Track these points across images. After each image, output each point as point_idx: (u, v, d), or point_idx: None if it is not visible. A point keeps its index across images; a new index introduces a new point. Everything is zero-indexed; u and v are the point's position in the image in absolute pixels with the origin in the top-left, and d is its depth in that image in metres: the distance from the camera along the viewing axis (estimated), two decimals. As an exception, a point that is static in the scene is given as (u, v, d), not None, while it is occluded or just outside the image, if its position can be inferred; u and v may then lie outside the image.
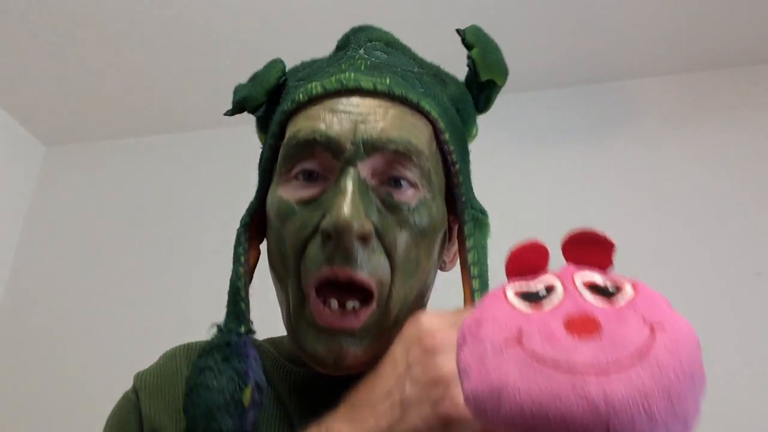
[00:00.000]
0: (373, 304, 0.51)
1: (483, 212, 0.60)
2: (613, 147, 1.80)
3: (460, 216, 0.57)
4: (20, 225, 2.13)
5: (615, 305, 0.27)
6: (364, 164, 0.52)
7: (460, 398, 0.37)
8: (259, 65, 0.68)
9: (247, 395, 0.50)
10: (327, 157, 0.53)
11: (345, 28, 0.69)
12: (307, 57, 0.72)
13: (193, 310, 1.81)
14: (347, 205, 0.49)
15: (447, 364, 0.40)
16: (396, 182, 0.53)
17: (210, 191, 2.01)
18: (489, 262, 0.57)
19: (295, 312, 0.53)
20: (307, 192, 0.53)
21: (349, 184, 0.50)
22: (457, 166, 0.58)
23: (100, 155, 2.22)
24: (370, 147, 0.52)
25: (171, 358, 0.62)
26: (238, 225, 0.59)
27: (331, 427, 0.44)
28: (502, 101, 2.30)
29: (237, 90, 0.65)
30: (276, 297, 0.58)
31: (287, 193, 0.54)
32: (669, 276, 1.53)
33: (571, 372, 0.24)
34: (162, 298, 1.89)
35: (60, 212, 2.14)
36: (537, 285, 0.30)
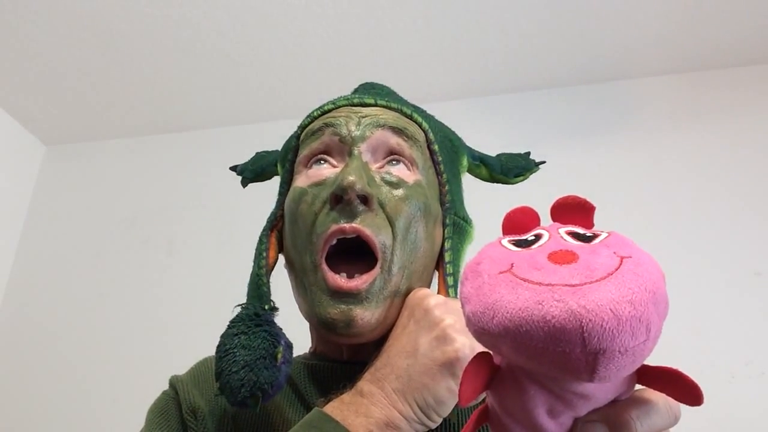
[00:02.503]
0: (377, 268, 0.57)
1: (467, 221, 0.67)
2: (613, 147, 1.81)
3: (443, 218, 0.64)
4: (20, 225, 2.13)
5: (591, 244, 0.32)
6: (366, 145, 0.61)
7: (460, 343, 0.49)
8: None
9: (280, 352, 0.55)
10: (335, 141, 0.62)
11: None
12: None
13: (192, 310, 1.81)
14: (351, 171, 0.57)
15: (446, 316, 0.51)
16: (394, 161, 0.62)
17: (210, 191, 2.01)
18: None
19: (309, 282, 0.58)
20: (317, 176, 0.61)
21: (353, 161, 0.59)
22: (445, 176, 0.65)
23: (100, 155, 2.22)
24: (371, 125, 0.62)
25: (203, 362, 0.67)
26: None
27: (360, 388, 0.51)
28: (502, 101, 2.29)
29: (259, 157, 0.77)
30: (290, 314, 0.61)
31: (301, 182, 0.63)
32: (669, 276, 1.53)
33: (551, 285, 0.29)
34: (161, 297, 1.89)
35: (60, 212, 2.14)
36: (527, 235, 0.35)
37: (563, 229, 0.35)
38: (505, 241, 0.35)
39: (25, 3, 1.73)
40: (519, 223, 0.37)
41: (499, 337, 0.29)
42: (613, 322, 0.27)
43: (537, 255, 0.32)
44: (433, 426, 0.51)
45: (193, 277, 1.89)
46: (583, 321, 0.27)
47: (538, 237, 0.34)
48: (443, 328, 0.50)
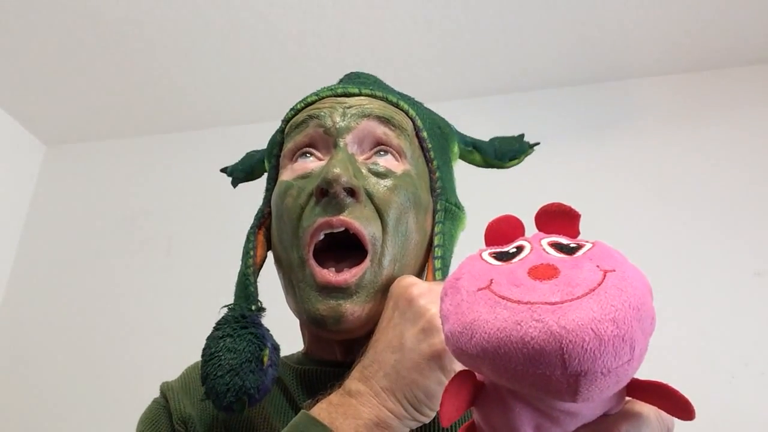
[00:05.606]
0: (367, 261, 0.55)
1: (458, 207, 0.65)
2: (613, 147, 1.80)
3: (434, 205, 0.62)
4: (20, 225, 2.13)
5: (574, 256, 0.31)
6: (352, 136, 0.59)
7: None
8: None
9: (266, 355, 0.53)
10: (319, 133, 0.60)
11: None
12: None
13: (192, 309, 1.81)
14: (336, 164, 0.55)
15: (431, 306, 0.48)
16: (381, 152, 0.60)
17: (210, 191, 2.01)
18: None
19: (297, 279, 0.57)
20: (303, 169, 0.60)
21: (339, 153, 0.57)
22: (435, 163, 0.64)
23: (100, 155, 2.22)
24: (357, 116, 0.60)
25: (194, 367, 0.65)
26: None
27: (348, 387, 0.49)
28: (502, 101, 2.29)
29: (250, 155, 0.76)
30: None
31: (287, 175, 0.61)
32: (669, 276, 1.53)
33: (530, 304, 0.27)
34: (161, 297, 1.89)
35: (60, 212, 2.14)
36: (509, 246, 0.34)
37: (546, 240, 0.33)
38: (485, 254, 0.34)
39: (26, 3, 1.73)
40: (502, 232, 0.36)
41: (477, 358, 0.28)
42: (595, 343, 0.26)
43: (517, 270, 0.30)
44: (426, 421, 0.49)
45: (193, 277, 1.88)
46: (563, 342, 0.26)
47: (519, 249, 0.33)
48: (428, 319, 0.48)
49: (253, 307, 0.58)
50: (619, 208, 1.68)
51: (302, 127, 0.61)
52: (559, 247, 0.32)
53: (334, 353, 0.61)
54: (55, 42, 1.85)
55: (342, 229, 0.55)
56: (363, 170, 0.58)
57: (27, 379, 1.88)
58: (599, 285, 0.28)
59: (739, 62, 1.81)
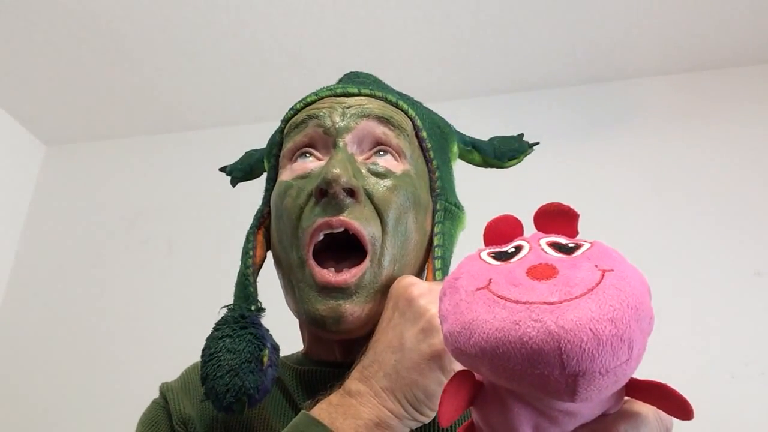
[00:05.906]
0: (367, 261, 0.55)
1: (458, 206, 0.65)
2: (613, 147, 1.81)
3: (434, 204, 0.62)
4: (20, 225, 2.13)
5: (572, 256, 0.31)
6: (351, 136, 0.59)
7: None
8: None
9: (265, 355, 0.53)
10: (319, 133, 0.60)
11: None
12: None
13: (192, 309, 1.81)
14: (335, 164, 0.55)
15: (430, 306, 0.48)
16: (381, 152, 0.60)
17: (210, 191, 2.01)
18: None
19: (297, 279, 0.57)
20: (302, 169, 0.60)
21: (338, 154, 0.57)
22: (435, 163, 0.64)
23: (100, 155, 2.22)
24: (356, 116, 0.60)
25: (193, 368, 0.65)
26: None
27: (348, 387, 0.49)
28: (502, 101, 2.29)
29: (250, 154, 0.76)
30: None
31: (286, 176, 0.61)
32: (669, 276, 1.53)
33: (528, 304, 0.28)
34: (161, 297, 1.89)
35: (60, 212, 2.14)
36: (507, 246, 0.34)
37: (545, 240, 0.33)
38: (484, 254, 0.34)
39: (25, 3, 1.73)
40: (501, 232, 0.36)
41: (476, 357, 0.28)
42: (593, 343, 0.26)
43: (516, 270, 0.30)
44: (426, 421, 0.49)
45: (193, 277, 1.89)
46: (562, 342, 0.26)
47: (518, 249, 0.33)
48: (428, 319, 0.48)
49: (253, 308, 0.58)
50: (618, 208, 1.68)
51: (302, 127, 0.61)
52: (557, 246, 0.32)
53: (334, 353, 0.61)
54: (55, 42, 1.85)
55: (341, 229, 0.55)
56: (362, 170, 0.58)
57: (27, 379, 1.88)
58: (597, 285, 0.28)
59: (739, 62, 1.81)
